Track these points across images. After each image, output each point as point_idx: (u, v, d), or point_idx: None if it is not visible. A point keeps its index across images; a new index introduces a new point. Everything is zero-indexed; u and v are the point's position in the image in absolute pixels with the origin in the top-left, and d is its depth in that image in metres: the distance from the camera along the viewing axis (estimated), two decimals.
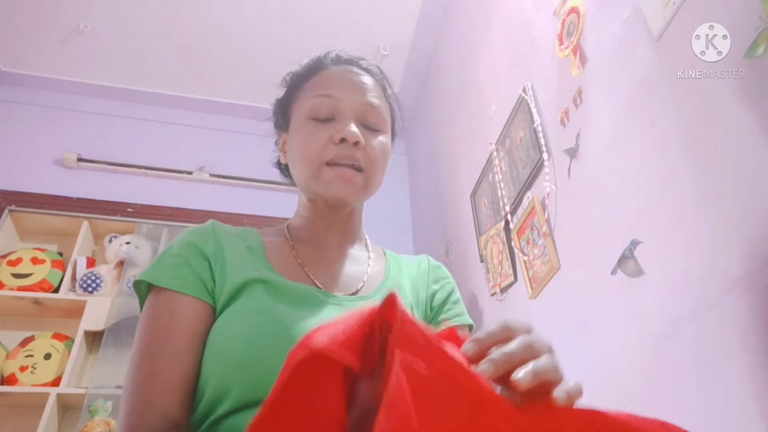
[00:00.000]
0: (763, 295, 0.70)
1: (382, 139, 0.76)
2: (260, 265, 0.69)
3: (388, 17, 2.39)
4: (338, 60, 0.80)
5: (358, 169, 0.72)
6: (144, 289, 0.67)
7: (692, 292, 0.83)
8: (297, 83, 0.80)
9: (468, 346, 0.37)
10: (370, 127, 0.75)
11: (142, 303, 0.68)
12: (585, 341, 1.13)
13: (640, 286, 0.96)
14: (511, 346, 0.37)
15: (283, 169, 0.85)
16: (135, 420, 0.56)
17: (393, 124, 0.82)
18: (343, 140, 0.71)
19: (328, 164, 0.71)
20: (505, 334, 0.39)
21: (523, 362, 0.37)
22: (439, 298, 0.79)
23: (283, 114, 0.82)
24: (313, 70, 0.79)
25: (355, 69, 0.78)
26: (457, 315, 0.78)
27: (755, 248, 0.72)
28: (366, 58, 0.82)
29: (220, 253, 0.69)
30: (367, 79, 0.77)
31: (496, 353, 0.37)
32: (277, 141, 0.85)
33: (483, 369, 0.35)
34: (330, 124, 0.73)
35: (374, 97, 0.76)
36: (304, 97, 0.76)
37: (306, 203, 0.79)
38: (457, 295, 0.81)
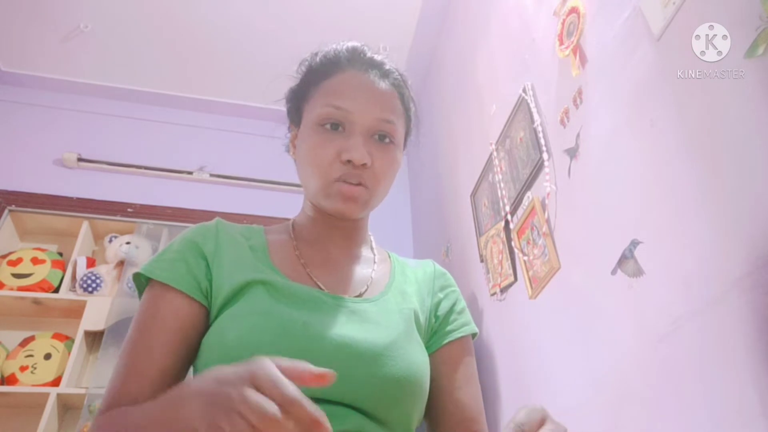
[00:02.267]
0: (763, 295, 0.70)
1: (392, 152, 0.74)
2: (262, 266, 0.69)
3: (388, 17, 2.39)
4: (357, 59, 0.76)
5: (363, 186, 0.71)
6: (143, 282, 0.68)
7: (692, 292, 0.83)
8: (312, 79, 0.77)
9: None
10: (382, 139, 0.73)
11: (140, 296, 0.69)
12: (585, 341, 1.13)
13: (640, 286, 0.96)
14: None
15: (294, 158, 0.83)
16: (110, 402, 0.59)
17: (408, 127, 0.80)
18: (349, 161, 0.69)
19: (335, 180, 0.70)
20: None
21: None
22: (444, 307, 0.78)
23: (295, 107, 0.79)
24: (330, 68, 0.75)
25: (373, 75, 0.74)
26: (463, 325, 0.78)
27: (755, 248, 0.72)
28: (386, 60, 0.78)
29: (219, 253, 0.69)
30: (384, 89, 0.74)
31: None
32: (289, 127, 0.83)
33: None
34: (339, 136, 0.71)
35: (388, 111, 0.73)
36: (317, 99, 0.74)
37: (310, 203, 0.79)
38: (462, 304, 0.81)
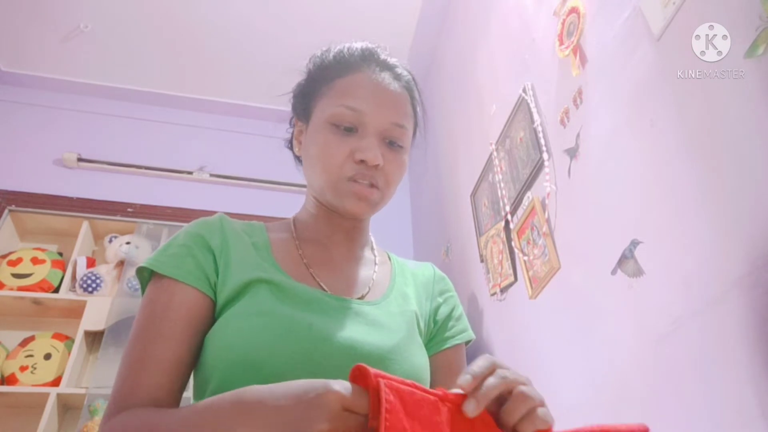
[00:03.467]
0: (764, 294, 0.70)
1: (402, 157, 0.74)
2: (266, 264, 0.68)
3: (388, 17, 2.39)
4: (371, 59, 0.75)
5: (375, 187, 0.71)
6: (147, 276, 0.67)
7: (692, 292, 0.83)
8: (323, 77, 0.76)
9: (465, 378, 0.45)
10: (392, 145, 0.73)
11: (143, 290, 0.68)
12: (585, 341, 1.13)
13: (640, 286, 0.96)
14: (491, 380, 0.45)
15: (294, 153, 0.82)
16: (121, 399, 0.57)
17: (415, 128, 0.80)
18: (363, 161, 0.69)
19: (346, 179, 0.70)
20: (492, 369, 0.46)
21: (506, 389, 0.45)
22: (443, 312, 0.78)
23: (303, 103, 0.78)
24: (344, 67, 0.75)
25: (387, 78, 0.74)
26: (461, 332, 0.78)
27: (755, 248, 0.72)
28: (398, 63, 0.78)
29: (226, 248, 0.68)
30: (397, 92, 0.74)
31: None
32: (291, 120, 0.82)
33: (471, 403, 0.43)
34: (352, 137, 0.70)
35: (402, 116, 0.73)
36: (329, 98, 0.73)
37: (314, 201, 0.78)
38: (459, 309, 0.81)
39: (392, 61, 0.78)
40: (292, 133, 0.82)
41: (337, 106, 0.71)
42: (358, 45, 0.77)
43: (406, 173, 0.76)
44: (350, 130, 0.71)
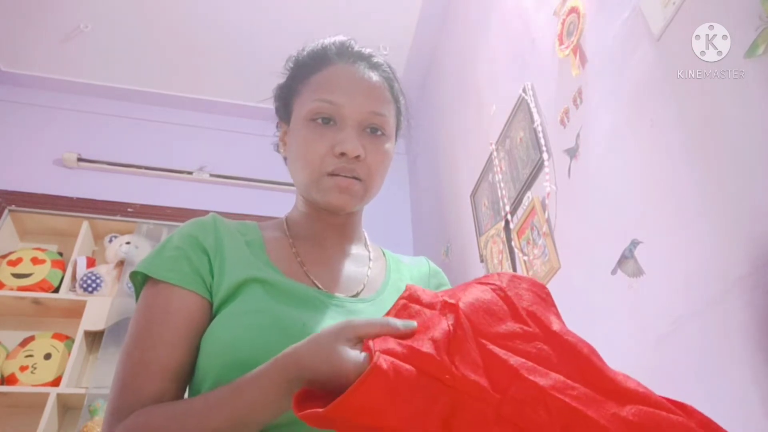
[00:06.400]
0: (763, 294, 0.70)
1: (385, 145, 0.73)
2: (260, 263, 0.68)
3: (388, 17, 2.39)
4: (345, 52, 0.75)
5: (357, 179, 0.70)
6: (141, 279, 0.67)
7: (692, 292, 0.83)
8: (300, 74, 0.76)
9: None
10: (373, 132, 0.72)
11: (138, 293, 0.67)
12: None
13: (640, 286, 0.96)
14: None
15: (282, 154, 0.83)
16: (122, 406, 0.56)
17: (399, 120, 0.80)
18: (343, 154, 0.69)
19: (328, 174, 0.69)
20: None
21: None
22: None
23: (284, 104, 0.78)
24: (319, 63, 0.75)
25: (362, 67, 0.74)
26: None
27: (756, 248, 0.72)
28: (374, 53, 0.78)
29: (220, 248, 0.68)
30: (374, 81, 0.74)
31: None
32: (277, 125, 0.83)
33: None
34: (331, 130, 0.70)
35: (380, 104, 0.73)
36: (307, 94, 0.73)
37: (303, 200, 0.78)
38: None
39: (367, 51, 0.77)
40: (279, 137, 0.83)
41: (313, 101, 0.71)
42: (331, 40, 0.77)
43: (391, 162, 0.76)
44: (328, 122, 0.70)
